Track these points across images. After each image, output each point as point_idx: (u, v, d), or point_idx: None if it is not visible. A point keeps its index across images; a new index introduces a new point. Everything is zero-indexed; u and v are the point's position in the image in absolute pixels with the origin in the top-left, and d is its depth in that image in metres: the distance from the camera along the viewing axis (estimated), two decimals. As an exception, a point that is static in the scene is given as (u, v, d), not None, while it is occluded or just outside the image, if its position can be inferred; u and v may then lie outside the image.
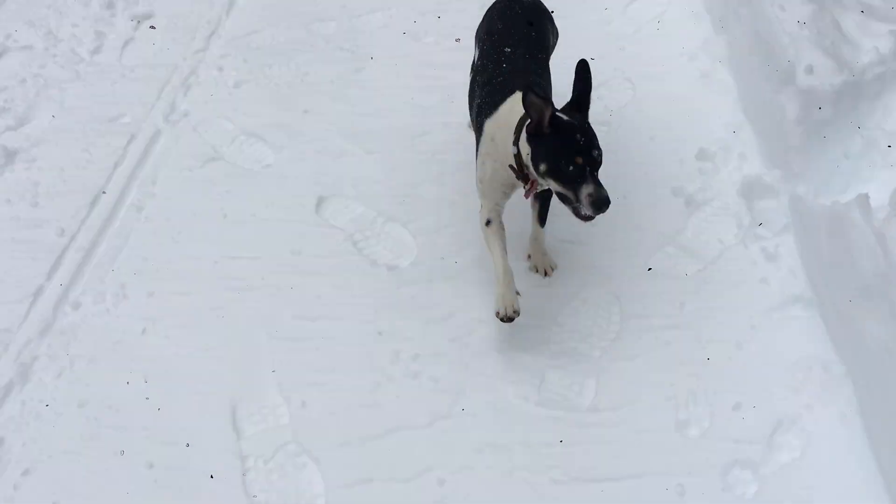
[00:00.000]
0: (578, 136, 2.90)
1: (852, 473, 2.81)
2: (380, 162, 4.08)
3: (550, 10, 3.79)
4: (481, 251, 3.43)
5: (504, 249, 3.23)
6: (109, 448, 3.01)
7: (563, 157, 2.88)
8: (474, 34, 3.76)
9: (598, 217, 2.94)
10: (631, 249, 3.57)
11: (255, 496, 2.88)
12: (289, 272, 3.59)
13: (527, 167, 3.06)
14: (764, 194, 3.60)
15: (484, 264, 3.43)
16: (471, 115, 3.55)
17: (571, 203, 2.94)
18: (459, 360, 3.24)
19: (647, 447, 2.93)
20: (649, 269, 3.48)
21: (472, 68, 3.72)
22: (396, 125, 4.26)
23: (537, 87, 3.06)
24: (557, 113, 2.94)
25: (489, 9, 3.75)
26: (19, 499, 2.88)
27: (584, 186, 2.87)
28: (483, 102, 3.31)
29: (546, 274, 3.51)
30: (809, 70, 3.64)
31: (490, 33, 3.57)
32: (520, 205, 3.37)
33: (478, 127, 3.33)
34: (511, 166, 3.12)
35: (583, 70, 3.03)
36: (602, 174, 2.94)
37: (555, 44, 3.77)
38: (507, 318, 3.10)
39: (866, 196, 3.02)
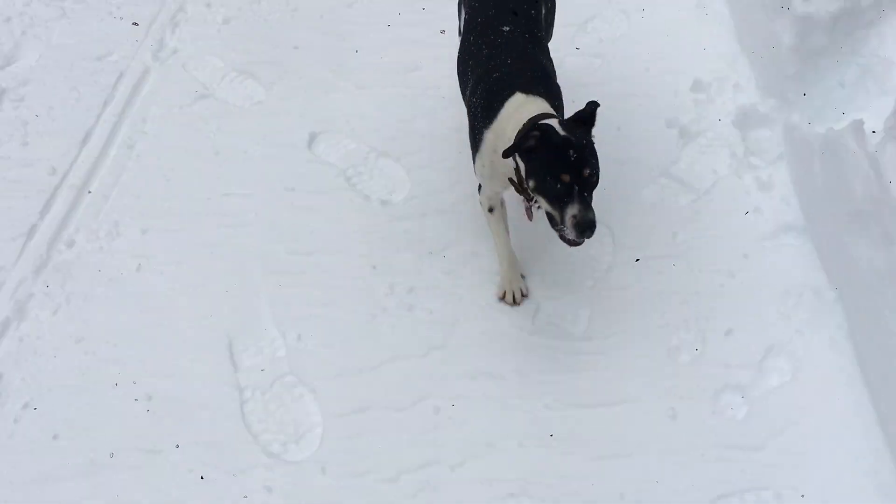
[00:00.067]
0: (571, 152, 2.63)
1: (842, 396, 2.86)
2: (372, 97, 4.05)
3: None
4: (474, 186, 3.42)
5: (507, 232, 3.18)
6: (107, 381, 3.04)
7: (550, 173, 2.63)
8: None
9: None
10: (624, 181, 3.56)
11: (252, 427, 2.92)
12: (282, 208, 3.59)
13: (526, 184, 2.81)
14: (758, 124, 3.58)
15: (478, 199, 3.43)
16: (463, 96, 3.26)
17: (556, 225, 2.70)
18: (454, 291, 3.26)
19: (640, 374, 2.98)
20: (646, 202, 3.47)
21: (459, 33, 3.41)
22: (388, 60, 4.21)
23: (538, 84, 2.85)
24: (553, 124, 2.70)
25: None
26: (19, 432, 2.91)
27: (570, 207, 2.62)
28: (480, 105, 3.00)
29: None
30: (806, -3, 3.59)
31: (483, 2, 3.27)
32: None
33: (475, 135, 3.05)
34: (511, 179, 2.90)
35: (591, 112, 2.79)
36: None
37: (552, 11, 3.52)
38: (514, 303, 3.14)
39: (861, 122, 3.01)
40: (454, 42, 3.65)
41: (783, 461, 2.73)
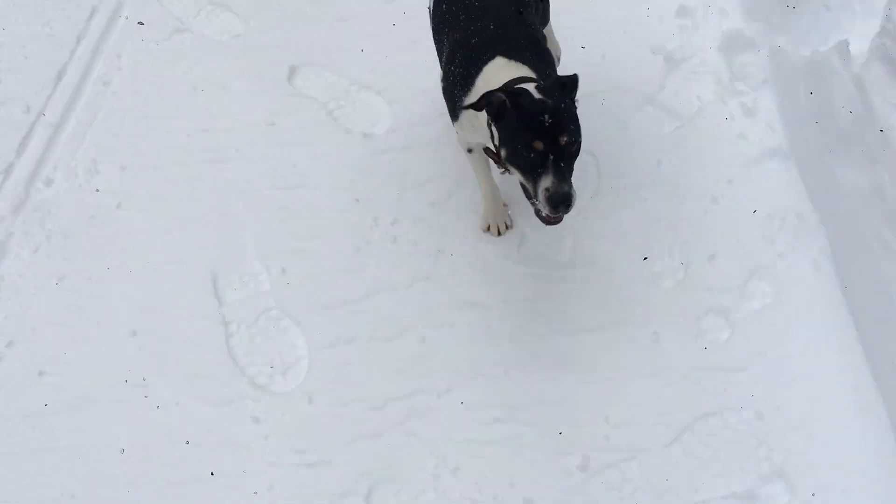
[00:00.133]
0: (545, 116, 2.34)
1: (823, 318, 2.88)
2: (351, 29, 3.95)
3: None
4: (457, 116, 3.39)
5: (487, 166, 3.09)
6: (91, 318, 3.04)
7: (521, 140, 2.36)
8: None
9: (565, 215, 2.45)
10: (609, 109, 3.52)
11: (238, 360, 2.93)
12: (263, 143, 3.54)
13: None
14: (744, 49, 3.53)
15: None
16: (441, 66, 2.94)
17: (530, 198, 2.45)
18: (438, 223, 3.25)
19: (623, 299, 2.99)
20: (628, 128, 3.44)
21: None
22: (367, -10, 4.11)
23: (524, 50, 2.56)
24: (529, 88, 2.42)
25: None
26: (4, 369, 2.92)
27: (543, 178, 2.34)
28: (458, 74, 2.72)
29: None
30: (792, -83, 3.51)
31: None
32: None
33: (453, 103, 2.80)
34: (487, 149, 2.70)
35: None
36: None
37: None
38: (498, 234, 3.14)
39: (846, 42, 2.98)
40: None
41: (764, 381, 2.76)
